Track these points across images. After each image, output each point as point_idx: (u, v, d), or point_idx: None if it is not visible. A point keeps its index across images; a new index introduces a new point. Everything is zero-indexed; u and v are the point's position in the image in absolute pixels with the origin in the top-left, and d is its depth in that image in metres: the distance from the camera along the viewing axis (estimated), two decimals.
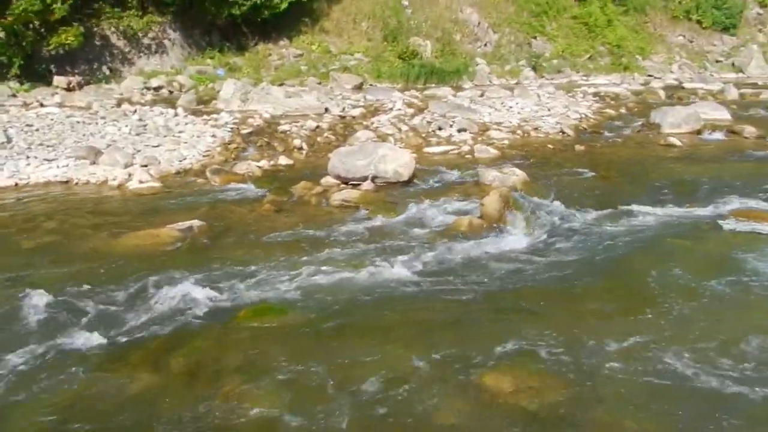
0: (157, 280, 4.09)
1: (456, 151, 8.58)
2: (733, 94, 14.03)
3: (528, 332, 3.41)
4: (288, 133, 8.86)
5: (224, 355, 3.24)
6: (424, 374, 3.02)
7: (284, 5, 14.90)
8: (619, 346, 3.20)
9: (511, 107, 11.66)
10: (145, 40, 14.02)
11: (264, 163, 7.72)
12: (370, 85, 14.78)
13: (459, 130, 9.49)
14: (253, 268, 4.38)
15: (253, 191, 6.61)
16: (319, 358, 3.20)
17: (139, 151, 7.64)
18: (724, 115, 10.73)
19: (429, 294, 4.00)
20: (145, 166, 7.20)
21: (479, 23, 19.39)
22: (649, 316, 3.58)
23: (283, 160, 7.93)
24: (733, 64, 21.07)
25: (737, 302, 3.74)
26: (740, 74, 20.27)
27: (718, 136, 9.37)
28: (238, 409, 2.81)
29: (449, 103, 11.53)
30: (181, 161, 7.58)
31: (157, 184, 6.81)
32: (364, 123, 9.74)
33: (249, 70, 14.53)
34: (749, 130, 9.31)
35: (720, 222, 5.16)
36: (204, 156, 7.84)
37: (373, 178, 6.70)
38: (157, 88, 12.57)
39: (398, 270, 4.36)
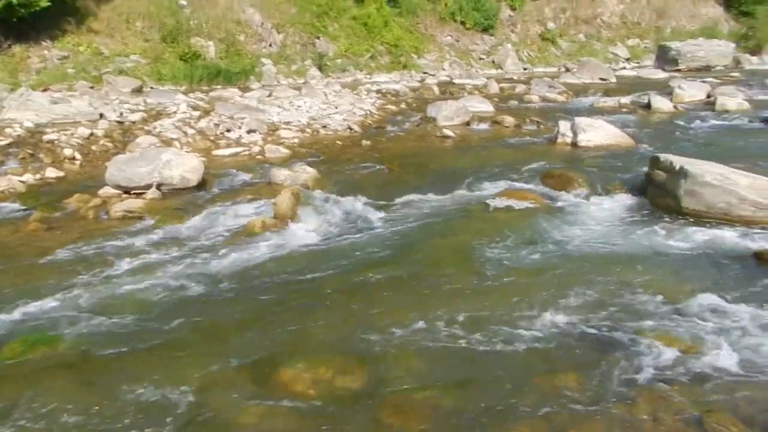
0: None
1: (247, 153, 8.47)
2: (494, 88, 15.72)
3: (322, 324, 3.51)
4: (56, 142, 8.01)
5: None
6: (220, 380, 2.96)
7: (44, 2, 13.39)
8: (407, 327, 3.42)
9: (299, 106, 11.80)
10: None
11: (28, 177, 6.90)
12: (151, 88, 13.94)
13: (249, 131, 9.37)
14: (18, 295, 3.90)
15: (15, 209, 5.87)
16: (104, 384, 2.96)
17: None
18: (488, 107, 11.99)
19: (223, 299, 3.91)
20: None
21: (262, 24, 19.31)
22: (431, 293, 3.88)
23: (51, 173, 7.15)
24: (493, 62, 23.57)
25: (505, 271, 4.19)
26: (499, 70, 22.76)
27: (484, 126, 10.44)
28: None
29: (237, 104, 11.33)
30: None
31: None
32: (146, 128, 9.16)
33: (3, 75, 12.84)
34: (508, 120, 10.51)
35: (487, 203, 5.77)
36: None
37: (159, 186, 6.35)
38: None
39: (189, 278, 4.20)
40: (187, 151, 7.92)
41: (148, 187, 6.28)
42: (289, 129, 9.82)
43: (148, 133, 8.86)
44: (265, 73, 17.68)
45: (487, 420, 2.67)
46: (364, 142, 9.09)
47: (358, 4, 21.74)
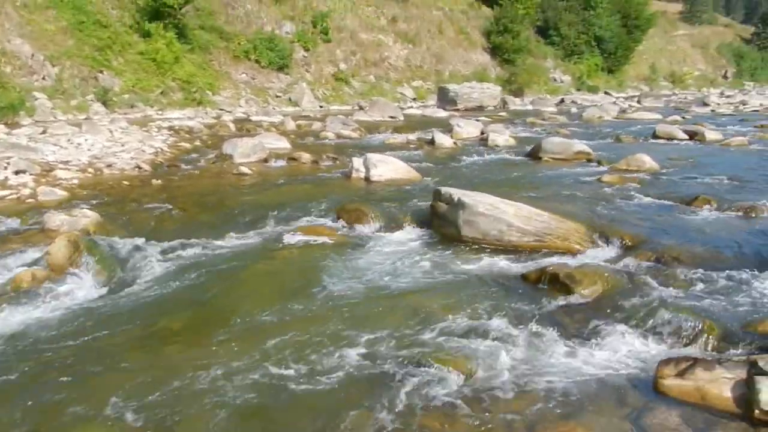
0: None
1: (14, 196, 7.52)
2: (291, 125, 15.97)
3: (106, 386, 3.17)
4: None
5: None
6: None
7: None
8: (199, 379, 3.23)
9: (80, 144, 10.88)
10: None
11: None
12: None
13: (16, 172, 8.37)
14: None
15: None
16: None
17: None
18: (285, 144, 12.13)
19: None
20: None
21: (33, 55, 17.57)
22: (224, 340, 3.71)
23: None
24: (290, 99, 23.98)
25: (297, 311, 4.17)
26: (296, 108, 23.22)
27: (282, 163, 10.51)
28: None
29: (2, 142, 10.09)
30: None
31: None
32: None
33: None
34: (305, 157, 10.71)
35: (283, 240, 5.78)
36: None
37: None
38: None
39: None
40: None
41: None
42: (68, 169, 8.98)
43: None
44: (39, 108, 16.06)
45: None
46: (155, 182, 8.61)
47: (145, 39, 20.81)
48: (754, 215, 6.29)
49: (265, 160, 10.59)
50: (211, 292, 4.58)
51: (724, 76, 58.12)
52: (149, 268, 5.09)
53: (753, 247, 5.21)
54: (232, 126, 15.76)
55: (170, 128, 14.53)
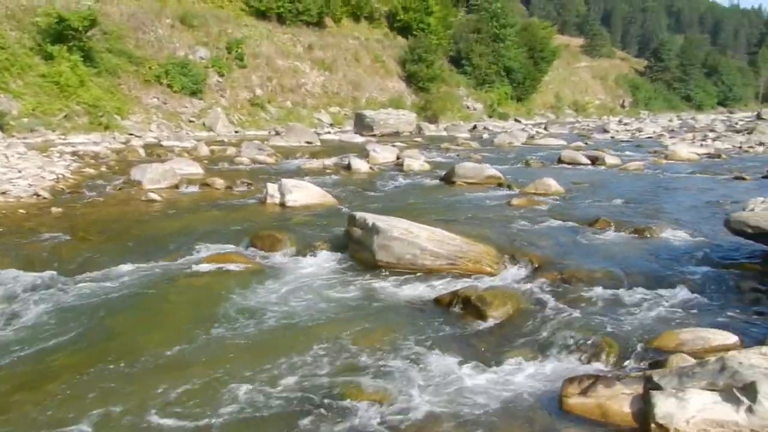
0: None
1: None
2: (204, 150, 15.59)
3: None
4: None
5: None
6: None
7: None
8: (96, 419, 3.04)
9: None
10: None
11: None
12: None
13: None
14: None
15: None
16: None
17: None
18: (197, 169, 11.80)
19: None
20: None
21: None
22: (129, 378, 3.50)
23: None
24: (204, 124, 23.46)
25: (209, 343, 4.03)
26: (211, 133, 22.73)
27: (194, 189, 10.19)
28: None
29: None
30: None
31: None
32: None
33: None
34: (219, 182, 10.45)
35: (196, 268, 5.58)
36: None
37: None
38: None
39: None
40: None
41: None
42: None
43: None
44: None
45: None
46: (54, 210, 8.13)
47: (47, 61, 19.83)
48: (648, 236, 6.69)
49: (177, 186, 10.26)
50: (111, 327, 4.32)
51: (622, 105, 62.21)
52: (44, 302, 4.76)
53: (647, 267, 5.53)
54: (141, 151, 15.20)
55: (74, 153, 13.84)
